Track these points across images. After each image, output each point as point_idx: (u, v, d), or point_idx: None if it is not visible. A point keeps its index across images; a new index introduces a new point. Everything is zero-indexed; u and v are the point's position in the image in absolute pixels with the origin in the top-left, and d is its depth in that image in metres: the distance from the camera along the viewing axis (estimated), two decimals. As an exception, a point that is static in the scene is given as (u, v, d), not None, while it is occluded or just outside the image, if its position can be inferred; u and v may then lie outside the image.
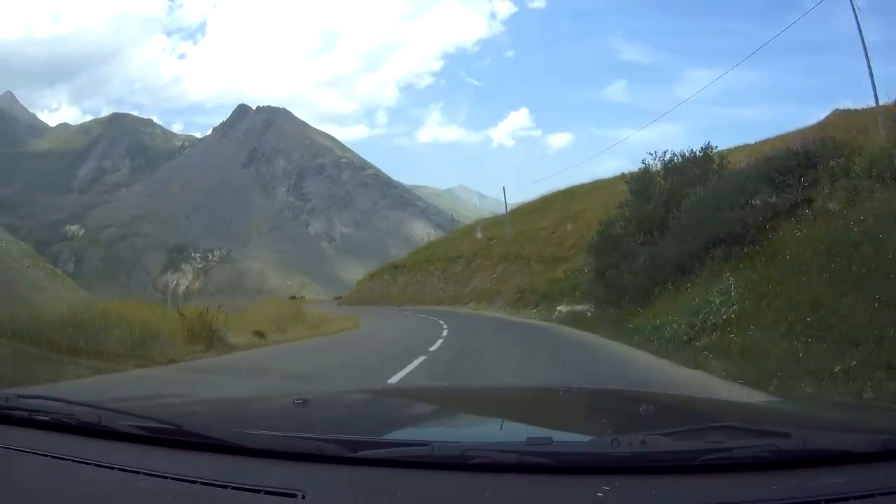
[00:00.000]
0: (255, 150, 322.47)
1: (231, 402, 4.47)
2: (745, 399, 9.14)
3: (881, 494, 1.98)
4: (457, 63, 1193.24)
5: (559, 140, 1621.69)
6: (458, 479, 2.10)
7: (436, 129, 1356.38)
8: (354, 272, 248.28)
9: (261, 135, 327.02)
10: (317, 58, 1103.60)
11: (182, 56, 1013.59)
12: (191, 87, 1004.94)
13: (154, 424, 2.49)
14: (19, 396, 2.84)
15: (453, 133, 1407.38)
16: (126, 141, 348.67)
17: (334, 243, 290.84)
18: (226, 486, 2.08)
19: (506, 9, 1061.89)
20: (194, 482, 2.12)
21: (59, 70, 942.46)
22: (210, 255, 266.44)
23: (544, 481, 2.08)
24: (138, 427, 2.49)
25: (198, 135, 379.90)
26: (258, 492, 2.04)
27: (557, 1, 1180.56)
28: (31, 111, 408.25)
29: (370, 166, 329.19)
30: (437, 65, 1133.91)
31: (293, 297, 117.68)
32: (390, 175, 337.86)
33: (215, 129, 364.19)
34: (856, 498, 1.96)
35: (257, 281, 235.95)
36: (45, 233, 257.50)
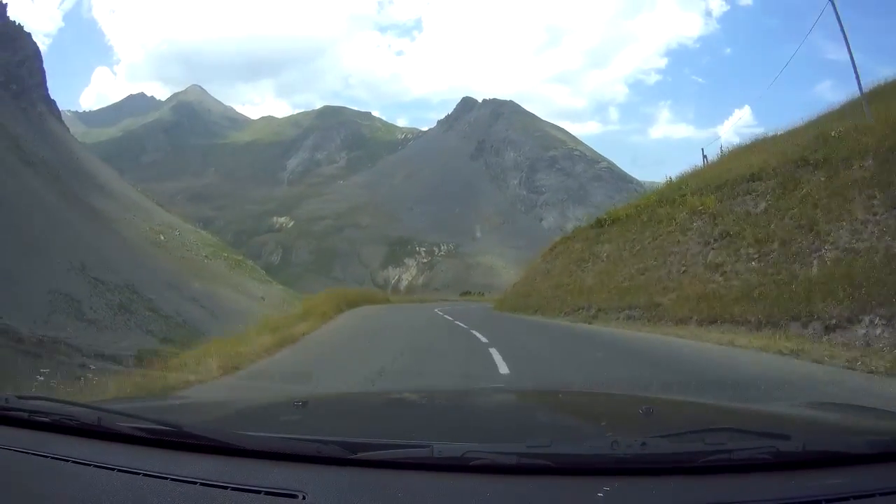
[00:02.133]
0: (484, 142, 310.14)
1: (231, 404, 4.62)
2: None
3: (881, 495, 1.99)
4: (679, 60, 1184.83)
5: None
6: (459, 481, 2.12)
7: (666, 126, 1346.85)
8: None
9: (489, 126, 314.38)
10: (542, 54, 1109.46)
11: (399, 52, 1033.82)
12: (412, 83, 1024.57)
13: (153, 426, 2.49)
14: (19, 397, 2.86)
15: (683, 130, 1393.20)
16: (342, 133, 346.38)
17: None
18: (225, 487, 2.09)
19: (718, 6, 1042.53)
20: (194, 482, 2.13)
21: (261, 65, 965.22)
22: (436, 250, 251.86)
23: (544, 483, 2.10)
24: (138, 428, 2.50)
25: (423, 128, 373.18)
26: (258, 492, 2.05)
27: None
28: (229, 105, 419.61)
29: (603, 159, 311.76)
30: (662, 62, 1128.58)
31: (467, 293, 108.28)
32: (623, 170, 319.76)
33: (440, 122, 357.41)
34: (855, 498, 1.97)
35: (487, 276, 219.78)
36: (248, 224, 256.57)
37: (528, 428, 3.36)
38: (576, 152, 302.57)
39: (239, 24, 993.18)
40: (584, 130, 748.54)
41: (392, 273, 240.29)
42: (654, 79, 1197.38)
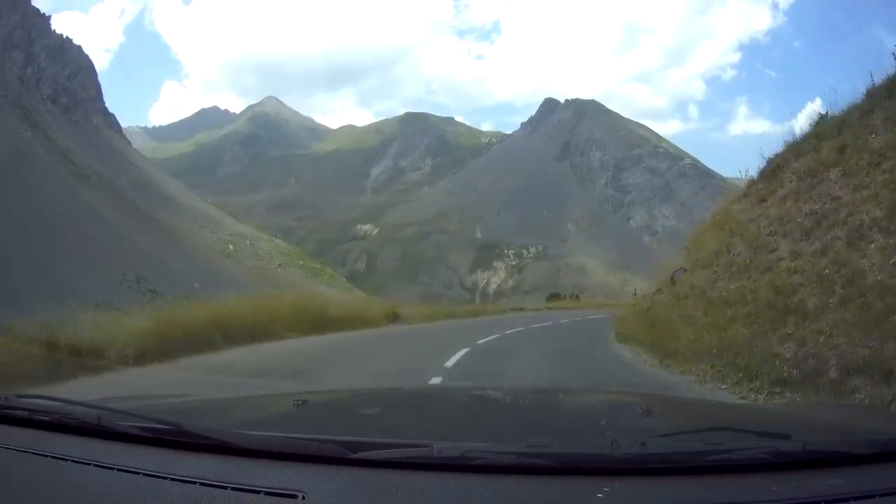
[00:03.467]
0: (568, 143, 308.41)
1: (231, 403, 4.61)
2: None
3: (880, 496, 1.99)
4: (753, 55, 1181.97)
5: None
6: (458, 481, 2.11)
7: (744, 121, 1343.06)
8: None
9: (572, 127, 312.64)
10: (621, 53, 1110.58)
11: (479, 56, 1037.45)
12: (494, 87, 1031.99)
13: (154, 425, 2.49)
14: (19, 396, 2.87)
15: (760, 125, 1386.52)
16: (425, 139, 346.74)
17: (656, 237, 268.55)
18: (225, 487, 2.08)
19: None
20: (194, 482, 2.12)
21: (340, 75, 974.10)
22: (525, 252, 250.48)
23: (544, 482, 2.09)
24: (138, 427, 2.50)
25: (507, 132, 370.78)
26: (258, 492, 2.05)
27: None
28: (307, 115, 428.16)
29: (687, 156, 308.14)
30: (736, 57, 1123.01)
31: (555, 296, 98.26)
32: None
33: (523, 125, 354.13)
34: (855, 499, 1.96)
35: (577, 278, 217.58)
36: (331, 233, 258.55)
37: (528, 427, 3.36)
38: (660, 149, 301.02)
39: (315, 34, 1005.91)
40: (665, 129, 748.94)
41: (480, 277, 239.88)
42: (729, 74, 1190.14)
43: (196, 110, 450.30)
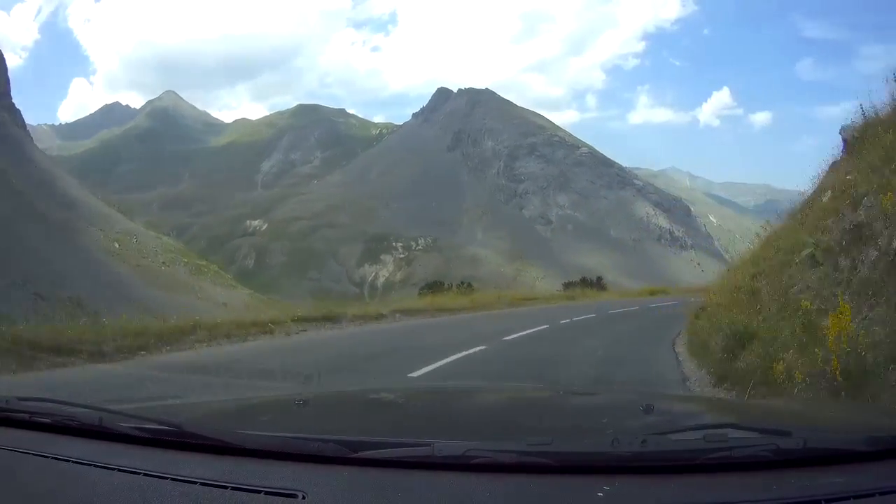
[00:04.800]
0: (461, 132, 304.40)
1: (231, 403, 4.63)
2: None
3: (881, 494, 2.00)
4: (658, 43, 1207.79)
5: (760, 119, 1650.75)
6: (459, 480, 2.12)
7: (645, 110, 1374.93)
8: (575, 255, 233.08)
9: (465, 116, 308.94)
10: (519, 43, 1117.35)
11: (375, 48, 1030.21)
12: (389, 78, 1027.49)
13: (154, 426, 2.52)
14: (20, 399, 2.89)
15: (662, 114, 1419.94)
16: (316, 132, 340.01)
17: (551, 226, 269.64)
18: (226, 487, 2.10)
19: None
20: (194, 482, 2.15)
21: (236, 69, 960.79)
22: (414, 244, 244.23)
23: (545, 481, 2.11)
24: (139, 428, 2.52)
25: (400, 123, 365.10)
26: (258, 492, 2.07)
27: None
28: (203, 110, 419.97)
29: (584, 144, 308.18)
30: (639, 46, 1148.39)
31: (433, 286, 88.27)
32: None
33: (415, 115, 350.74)
34: (856, 497, 1.97)
35: (468, 269, 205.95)
36: (222, 229, 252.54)
37: (528, 426, 3.32)
38: (555, 138, 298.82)
39: (215, 28, 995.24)
40: (562, 119, 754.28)
41: (369, 271, 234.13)
42: (632, 63, 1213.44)
43: (100, 107, 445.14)
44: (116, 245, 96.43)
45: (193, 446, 2.40)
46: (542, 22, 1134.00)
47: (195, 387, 11.74)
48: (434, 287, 64.75)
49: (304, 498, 2.01)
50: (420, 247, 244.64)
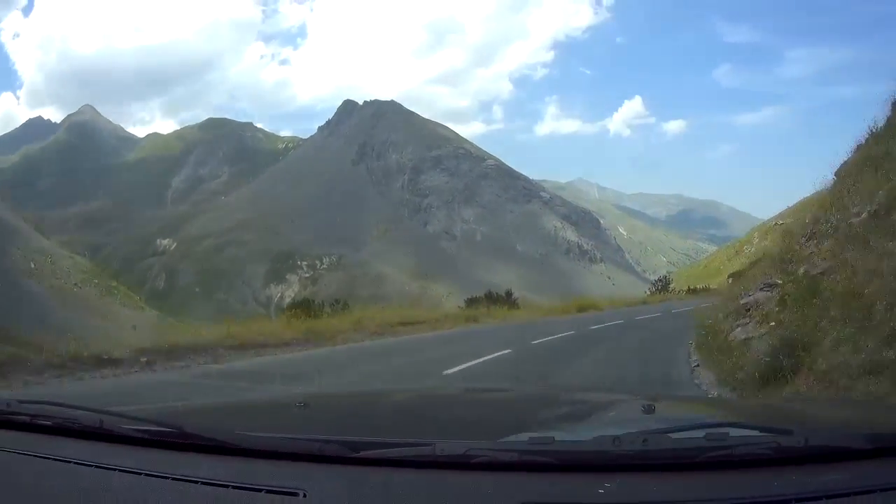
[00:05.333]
0: (365, 145, 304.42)
1: (232, 405, 4.65)
2: None
3: (882, 490, 2.01)
4: (568, 53, 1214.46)
5: (673, 127, 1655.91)
6: (461, 479, 2.14)
7: (553, 122, 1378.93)
8: (481, 271, 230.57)
9: (370, 129, 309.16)
10: (427, 54, 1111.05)
11: (284, 61, 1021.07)
12: (298, 91, 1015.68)
13: (155, 427, 2.53)
14: (21, 402, 2.90)
15: (570, 125, 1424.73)
16: (224, 146, 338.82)
17: (455, 241, 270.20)
18: (227, 487, 2.13)
19: None
20: (195, 482, 2.17)
21: (150, 83, 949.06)
22: (318, 263, 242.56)
23: (546, 479, 2.12)
24: (140, 430, 2.54)
25: (306, 136, 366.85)
26: (259, 491, 2.08)
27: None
28: (118, 124, 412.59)
29: (490, 156, 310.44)
30: (549, 55, 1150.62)
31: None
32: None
33: (321, 128, 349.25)
34: (857, 494, 1.99)
35: (373, 287, 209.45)
36: (134, 248, 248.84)
37: (529, 426, 3.25)
38: (461, 150, 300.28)
39: (131, 43, 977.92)
40: (468, 131, 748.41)
41: (275, 290, 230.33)
42: (540, 73, 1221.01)
43: (25, 121, 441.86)
44: (32, 265, 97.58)
45: (194, 447, 2.41)
46: (451, 33, 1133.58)
47: None
48: (303, 307, 43.72)
49: (305, 497, 2.01)
50: (325, 265, 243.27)
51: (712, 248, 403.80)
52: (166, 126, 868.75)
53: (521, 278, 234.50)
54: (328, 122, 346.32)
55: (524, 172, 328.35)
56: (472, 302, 46.69)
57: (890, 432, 2.45)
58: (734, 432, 2.43)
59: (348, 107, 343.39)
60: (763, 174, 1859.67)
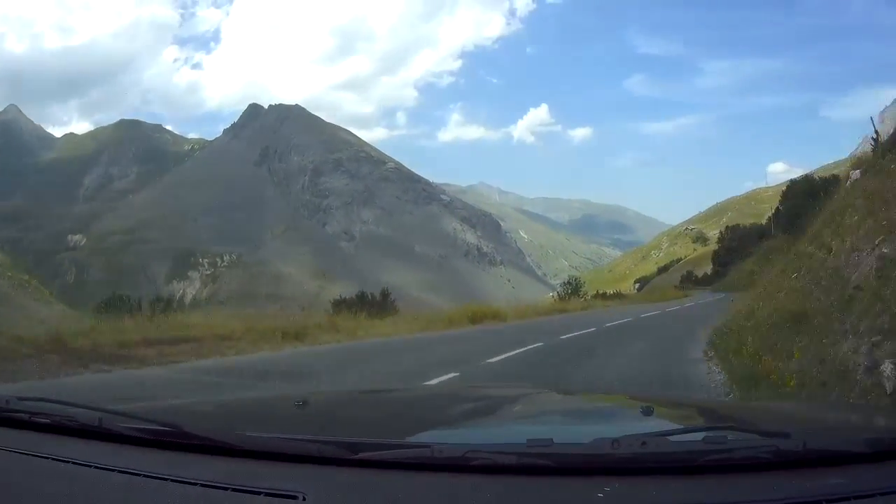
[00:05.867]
0: (268, 148, 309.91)
1: (232, 404, 4.46)
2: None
3: (881, 495, 2.00)
4: (476, 62, 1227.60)
5: (579, 134, 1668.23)
6: (459, 481, 2.12)
7: (456, 128, 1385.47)
8: (379, 271, 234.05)
9: (273, 132, 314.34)
10: (334, 60, 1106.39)
11: (197, 65, 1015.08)
12: (208, 95, 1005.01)
13: (154, 426, 2.51)
14: (19, 398, 2.87)
15: (474, 132, 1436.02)
16: (134, 147, 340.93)
17: (354, 241, 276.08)
18: (226, 488, 2.10)
19: (524, 5, 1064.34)
20: (194, 484, 2.14)
21: (70, 84, 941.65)
22: (219, 261, 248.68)
23: (545, 482, 2.11)
24: (139, 429, 2.52)
25: (211, 139, 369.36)
26: (258, 493, 2.06)
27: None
28: (40, 124, 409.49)
29: (390, 160, 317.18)
30: (456, 64, 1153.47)
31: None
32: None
33: (226, 131, 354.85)
34: (856, 498, 1.97)
35: (272, 286, 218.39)
36: (49, 244, 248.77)
37: (528, 427, 3.35)
38: (362, 154, 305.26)
39: (54, 42, 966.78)
40: (371, 136, 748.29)
41: (177, 287, 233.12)
42: (446, 81, 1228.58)
43: None
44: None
45: (193, 447, 2.39)
46: (361, 40, 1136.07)
47: None
48: (112, 306, 39.39)
49: (304, 499, 1.99)
50: (225, 263, 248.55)
51: (617, 253, 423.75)
52: (83, 127, 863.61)
53: (420, 279, 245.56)
54: (233, 125, 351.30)
55: (425, 176, 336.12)
56: (338, 305, 33.78)
57: (888, 436, 2.44)
58: (733, 435, 2.43)
59: (253, 110, 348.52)
60: (674, 181, 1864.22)
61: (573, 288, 63.31)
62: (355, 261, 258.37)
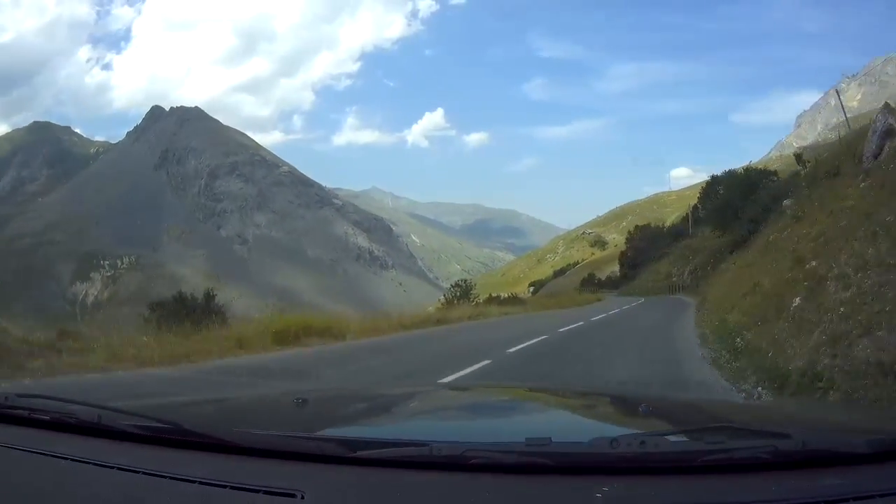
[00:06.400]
0: (167, 151, 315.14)
1: (231, 402, 4.41)
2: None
3: (880, 496, 1.99)
4: (374, 64, 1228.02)
5: (475, 139, 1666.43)
6: (458, 480, 2.11)
7: (351, 132, 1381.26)
8: (272, 275, 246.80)
9: (173, 135, 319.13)
10: (237, 61, 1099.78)
11: (107, 66, 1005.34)
12: (116, 95, 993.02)
13: (153, 423, 2.50)
14: (18, 395, 2.86)
15: (368, 136, 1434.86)
16: (45, 149, 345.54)
17: (247, 245, 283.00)
18: (225, 486, 2.09)
19: (427, 6, 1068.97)
20: (193, 482, 2.13)
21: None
22: (119, 263, 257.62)
23: (543, 482, 2.10)
24: (138, 426, 2.51)
25: (115, 141, 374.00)
26: (257, 491, 2.05)
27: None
28: None
29: (284, 164, 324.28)
30: (355, 67, 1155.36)
31: None
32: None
33: (129, 133, 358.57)
34: (855, 499, 1.96)
35: (169, 288, 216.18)
36: None
37: (527, 427, 3.42)
38: (257, 157, 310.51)
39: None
40: (268, 140, 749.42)
41: (80, 289, 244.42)
42: (344, 84, 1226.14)
43: None
44: None
45: (192, 444, 2.38)
46: (263, 41, 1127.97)
47: None
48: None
49: (302, 497, 1.98)
50: (125, 265, 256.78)
51: (510, 257, 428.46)
52: (3, 128, 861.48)
53: (313, 283, 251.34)
54: (136, 128, 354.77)
55: (320, 181, 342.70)
56: (155, 308, 25.58)
57: (888, 437, 2.39)
58: (732, 435, 2.43)
59: (156, 112, 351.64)
60: (571, 186, 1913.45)
61: (462, 291, 54.26)
62: (249, 264, 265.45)
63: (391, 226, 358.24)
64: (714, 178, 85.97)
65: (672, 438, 2.38)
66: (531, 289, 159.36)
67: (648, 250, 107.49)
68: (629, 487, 2.04)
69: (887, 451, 2.21)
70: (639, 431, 2.52)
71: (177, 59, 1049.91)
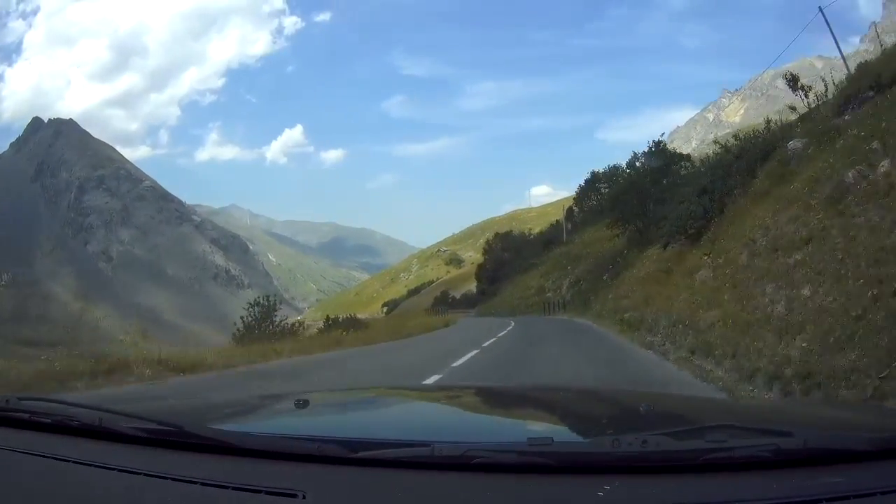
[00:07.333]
0: (43, 163, 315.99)
1: (232, 403, 4.56)
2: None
3: (882, 493, 1.98)
4: (238, 80, 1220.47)
5: (332, 156, 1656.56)
6: (459, 480, 2.11)
7: (213, 148, 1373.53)
8: (135, 294, 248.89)
9: (49, 147, 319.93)
10: (111, 75, 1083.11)
11: None
12: (4, 107, 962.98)
13: (155, 426, 2.52)
14: (20, 398, 2.89)
15: (229, 152, 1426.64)
16: None
17: (112, 262, 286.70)
18: (226, 487, 2.09)
19: (293, 23, 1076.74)
20: (195, 483, 2.13)
21: None
22: None
23: (545, 481, 2.09)
24: (139, 429, 2.53)
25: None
26: (259, 492, 2.05)
27: (342, 14, 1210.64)
28: None
29: (147, 178, 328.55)
30: (220, 82, 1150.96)
31: None
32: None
33: (12, 145, 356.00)
34: (857, 497, 1.95)
35: (43, 307, 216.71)
36: None
37: (528, 426, 3.45)
38: (122, 171, 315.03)
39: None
40: (136, 154, 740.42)
41: None
42: (208, 100, 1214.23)
43: None
44: None
45: (194, 446, 2.39)
46: (135, 55, 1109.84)
47: None
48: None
49: (304, 497, 1.98)
50: (3, 282, 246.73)
51: (365, 277, 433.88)
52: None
53: (173, 302, 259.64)
54: (18, 139, 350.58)
55: (182, 197, 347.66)
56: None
57: (889, 435, 2.38)
58: (733, 434, 2.39)
59: (36, 124, 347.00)
60: (427, 205, 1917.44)
61: (265, 312, 34.72)
62: (114, 282, 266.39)
63: (248, 244, 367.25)
64: (595, 175, 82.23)
65: (674, 437, 2.34)
66: (384, 308, 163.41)
67: (512, 261, 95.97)
68: (631, 486, 2.03)
69: (889, 449, 2.20)
70: (640, 430, 2.43)
71: (59, 72, 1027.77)
